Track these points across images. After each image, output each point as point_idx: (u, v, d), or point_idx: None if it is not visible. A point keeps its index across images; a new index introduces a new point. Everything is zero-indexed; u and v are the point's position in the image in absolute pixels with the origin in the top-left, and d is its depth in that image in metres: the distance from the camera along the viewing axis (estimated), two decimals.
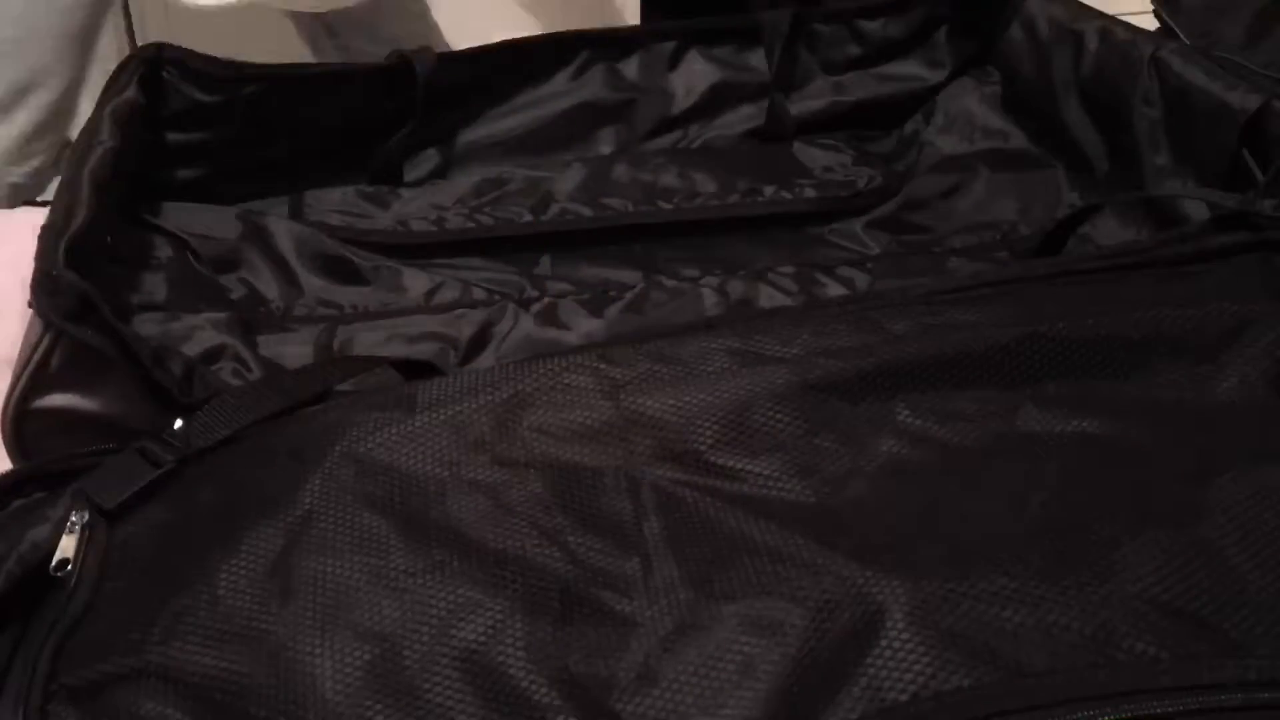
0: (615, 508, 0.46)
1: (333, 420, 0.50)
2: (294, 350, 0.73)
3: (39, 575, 0.45)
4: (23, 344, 0.64)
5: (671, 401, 0.50)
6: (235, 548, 0.45)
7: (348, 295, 0.78)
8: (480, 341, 0.75)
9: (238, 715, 0.40)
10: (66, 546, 0.46)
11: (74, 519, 0.46)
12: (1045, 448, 0.48)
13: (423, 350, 0.73)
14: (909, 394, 0.50)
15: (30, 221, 0.66)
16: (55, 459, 0.51)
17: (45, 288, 0.60)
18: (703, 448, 0.49)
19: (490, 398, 0.50)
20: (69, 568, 0.45)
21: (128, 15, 0.96)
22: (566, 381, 0.51)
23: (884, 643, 0.39)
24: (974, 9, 0.96)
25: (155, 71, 0.80)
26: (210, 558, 0.44)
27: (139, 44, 0.93)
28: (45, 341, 0.60)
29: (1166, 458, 0.47)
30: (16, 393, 0.60)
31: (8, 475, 0.51)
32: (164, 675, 0.41)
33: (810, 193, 0.89)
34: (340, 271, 0.80)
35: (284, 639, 0.42)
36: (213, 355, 0.69)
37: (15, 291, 0.74)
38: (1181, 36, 0.89)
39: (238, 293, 0.77)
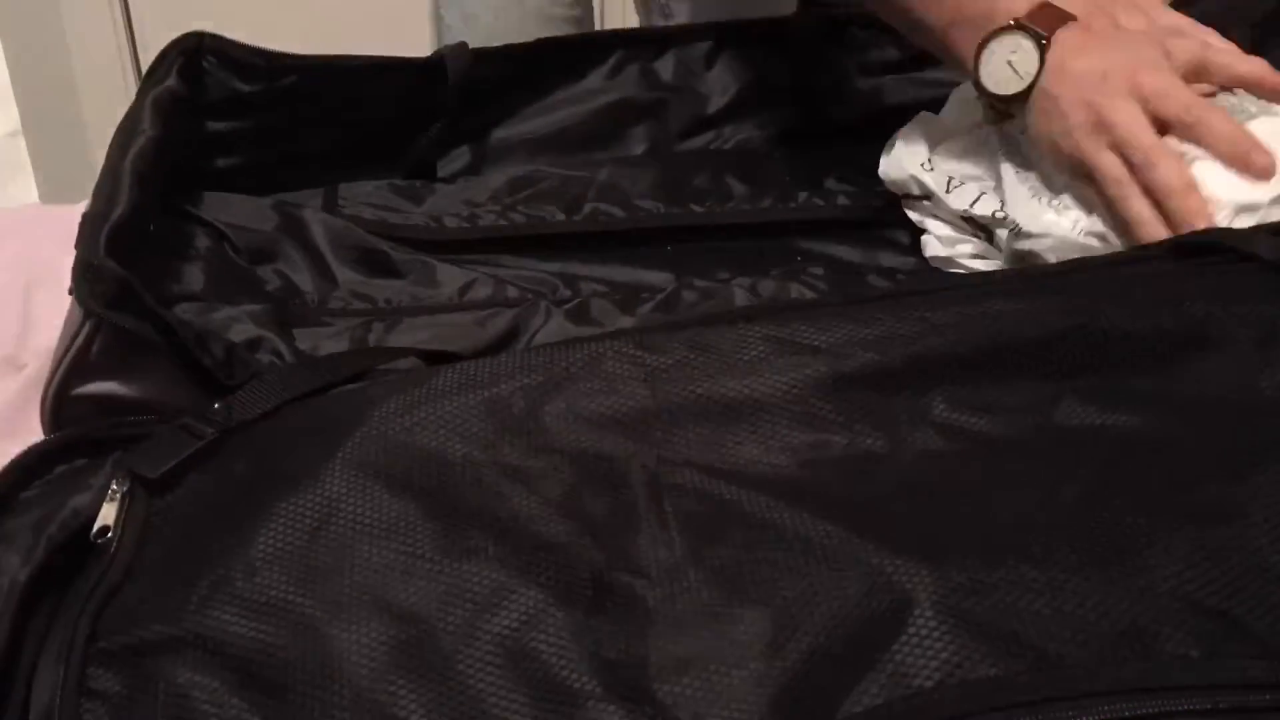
0: (647, 495, 0.46)
1: (369, 397, 0.50)
2: (329, 346, 0.73)
3: (80, 541, 0.46)
4: (62, 332, 0.64)
5: (707, 389, 0.50)
6: (272, 520, 0.45)
7: (382, 289, 0.78)
8: (511, 338, 0.75)
9: (271, 687, 0.40)
10: (107, 514, 0.46)
11: (115, 487, 0.47)
12: (1084, 440, 0.48)
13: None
14: (946, 386, 0.50)
15: (29, 220, 0.67)
16: (99, 425, 0.52)
17: (86, 276, 0.60)
18: (736, 436, 0.49)
19: (526, 381, 0.51)
20: (109, 535, 0.46)
21: (127, 13, 0.96)
22: (603, 367, 0.51)
23: (911, 630, 0.39)
24: None
25: (195, 61, 0.81)
26: (247, 529, 0.45)
27: (136, 43, 0.93)
28: (86, 329, 0.61)
29: (1207, 453, 0.46)
30: (57, 379, 0.61)
31: (53, 440, 0.52)
32: (200, 645, 0.41)
33: (844, 199, 0.88)
34: (374, 264, 0.80)
35: (317, 615, 0.42)
36: (250, 348, 0.69)
37: (14, 290, 0.75)
38: None
39: (273, 284, 0.77)
